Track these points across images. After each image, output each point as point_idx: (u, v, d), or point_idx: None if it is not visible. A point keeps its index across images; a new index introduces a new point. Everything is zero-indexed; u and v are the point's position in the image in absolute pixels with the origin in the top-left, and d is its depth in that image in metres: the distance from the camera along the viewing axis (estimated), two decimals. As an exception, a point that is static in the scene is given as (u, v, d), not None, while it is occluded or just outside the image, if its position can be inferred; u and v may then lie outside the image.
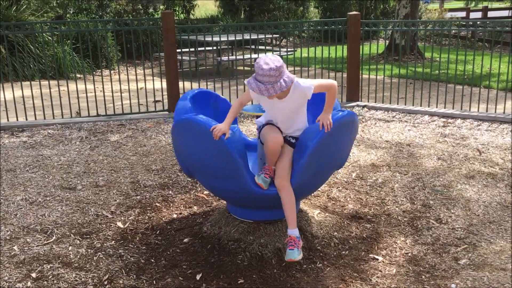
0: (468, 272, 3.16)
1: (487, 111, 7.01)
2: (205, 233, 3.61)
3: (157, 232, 3.73)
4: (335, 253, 3.42)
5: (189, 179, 4.69)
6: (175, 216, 4.00)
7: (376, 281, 3.09)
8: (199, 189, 4.48)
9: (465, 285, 3.02)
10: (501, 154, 5.29)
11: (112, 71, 11.16)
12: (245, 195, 3.30)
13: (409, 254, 3.39)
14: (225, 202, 3.92)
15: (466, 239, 3.56)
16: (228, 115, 3.20)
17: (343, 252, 3.44)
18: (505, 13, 24.42)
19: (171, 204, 4.22)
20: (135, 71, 7.87)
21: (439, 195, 4.29)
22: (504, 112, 6.87)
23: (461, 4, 35.52)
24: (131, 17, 14.15)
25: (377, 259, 3.34)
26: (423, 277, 3.12)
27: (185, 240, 3.59)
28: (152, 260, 3.34)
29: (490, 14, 22.59)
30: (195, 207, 4.14)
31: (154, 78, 8.20)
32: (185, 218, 3.95)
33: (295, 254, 3.04)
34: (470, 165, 4.97)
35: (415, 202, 4.18)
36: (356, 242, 3.56)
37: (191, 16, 17.45)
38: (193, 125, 3.18)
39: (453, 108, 7.25)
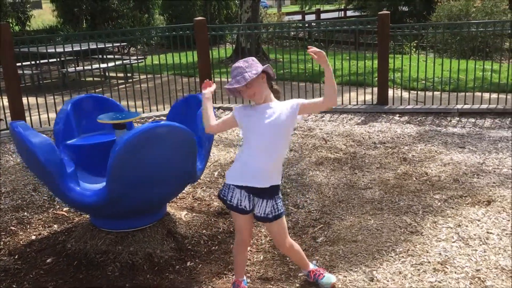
0: (325, 248, 3.49)
1: (328, 103, 7.67)
2: (69, 250, 3.47)
3: (16, 257, 3.48)
4: (205, 250, 3.53)
5: (45, 198, 4.45)
6: (34, 237, 3.77)
7: (246, 269, 3.26)
8: (58, 206, 4.27)
9: (324, 260, 3.33)
10: (343, 141, 5.87)
11: None
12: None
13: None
14: (87, 216, 3.79)
15: (321, 219, 3.92)
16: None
17: (213, 247, 3.57)
18: (335, 14, 26.90)
19: (28, 226, 3.96)
20: (-31, 89, 7.16)
21: (294, 183, 4.63)
22: (342, 104, 7.60)
23: (296, 8, 38.12)
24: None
25: (245, 249, 3.52)
26: (287, 259, 3.36)
27: (48, 260, 3.41)
28: (14, 286, 3.13)
29: (323, 15, 24.63)
30: (56, 226, 3.94)
31: (-8, 95, 7.53)
32: (45, 238, 3.74)
33: (330, 278, 3.03)
34: (318, 153, 5.43)
35: (274, 192, 4.45)
36: (224, 237, 3.71)
37: (28, 28, 16.29)
38: (177, 131, 3.12)
39: (299, 104, 7.80)
